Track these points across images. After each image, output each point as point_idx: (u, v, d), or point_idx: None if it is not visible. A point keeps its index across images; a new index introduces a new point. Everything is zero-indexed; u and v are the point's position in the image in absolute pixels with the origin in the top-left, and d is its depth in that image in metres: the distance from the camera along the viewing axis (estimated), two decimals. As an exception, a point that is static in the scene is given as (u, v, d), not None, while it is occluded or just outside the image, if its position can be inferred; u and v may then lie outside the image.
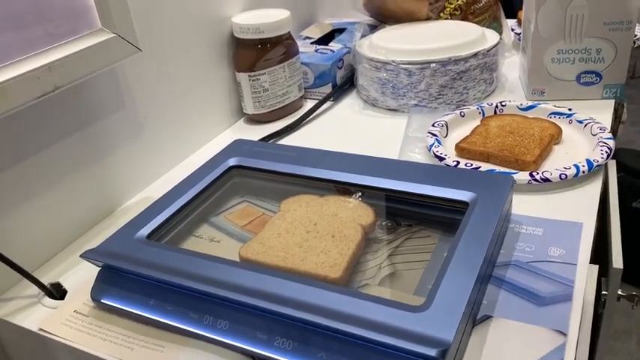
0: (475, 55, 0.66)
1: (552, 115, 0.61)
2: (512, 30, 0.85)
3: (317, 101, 0.72)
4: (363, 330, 0.32)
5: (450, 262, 0.37)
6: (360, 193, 0.48)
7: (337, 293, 0.36)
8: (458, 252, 0.38)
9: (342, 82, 0.75)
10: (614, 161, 0.56)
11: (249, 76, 0.67)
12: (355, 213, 0.45)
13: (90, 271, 0.44)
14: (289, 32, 0.69)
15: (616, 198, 0.54)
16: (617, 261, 0.47)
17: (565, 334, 0.36)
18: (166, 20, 0.58)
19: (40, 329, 0.42)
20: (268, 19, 0.66)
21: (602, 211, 0.52)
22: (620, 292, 0.51)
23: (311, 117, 0.71)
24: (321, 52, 0.75)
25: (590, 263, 0.42)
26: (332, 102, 0.74)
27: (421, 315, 0.33)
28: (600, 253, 0.51)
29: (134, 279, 0.41)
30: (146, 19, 0.55)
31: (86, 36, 0.45)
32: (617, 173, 0.57)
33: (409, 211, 0.48)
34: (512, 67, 0.77)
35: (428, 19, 0.78)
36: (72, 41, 0.44)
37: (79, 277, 0.47)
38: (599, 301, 0.49)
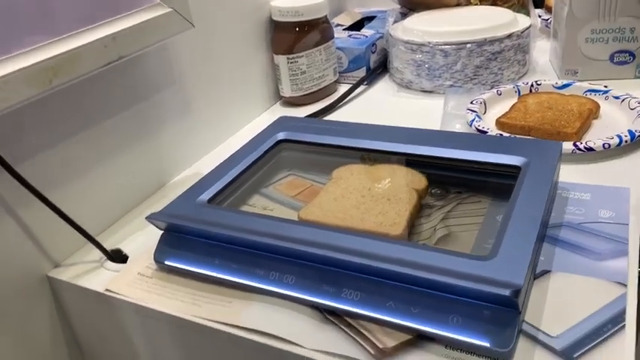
0: (509, 36, 0.67)
1: (588, 93, 0.63)
2: (540, 17, 0.87)
3: (351, 85, 0.74)
4: (434, 275, 0.33)
5: (509, 220, 0.38)
6: (407, 162, 0.49)
7: (403, 245, 0.37)
8: (516, 211, 0.39)
9: (375, 66, 0.77)
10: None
11: (288, 58, 0.69)
12: (407, 178, 0.47)
13: (148, 238, 0.45)
14: (326, 16, 0.70)
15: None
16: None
17: (625, 285, 0.37)
18: (212, 1, 0.60)
19: (107, 290, 0.43)
20: (307, 2, 0.67)
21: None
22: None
23: (346, 100, 0.72)
24: (355, 37, 0.77)
25: None
26: (366, 85, 0.76)
27: (488, 262, 0.34)
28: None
29: (197, 241, 0.42)
30: (194, -1, 0.57)
31: (146, 9, 0.47)
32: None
33: (458, 178, 0.49)
34: (541, 52, 0.78)
35: (457, 5, 0.79)
36: (133, 13, 0.46)
37: (138, 244, 0.48)
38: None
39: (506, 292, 0.31)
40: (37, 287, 0.45)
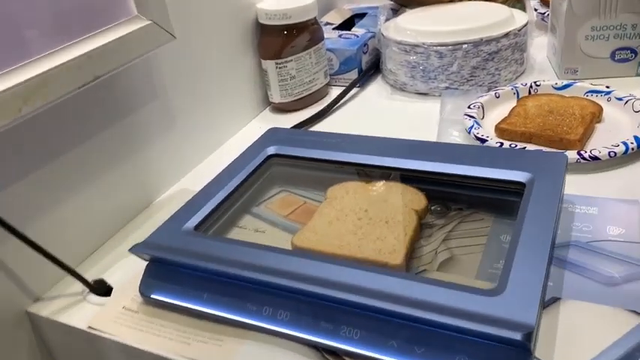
0: (507, 35, 0.64)
1: (590, 94, 0.60)
2: (536, 10, 0.84)
3: (342, 88, 0.71)
4: (440, 316, 0.31)
5: (517, 245, 0.36)
6: (405, 178, 0.47)
7: (404, 279, 0.34)
8: (524, 234, 0.37)
9: (367, 67, 0.74)
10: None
11: (276, 63, 0.66)
12: (406, 198, 0.44)
13: (133, 267, 0.43)
14: (315, 17, 0.67)
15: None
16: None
17: (640, 314, 0.35)
18: (192, 7, 0.57)
19: (90, 327, 0.40)
20: (295, 4, 0.64)
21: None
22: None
23: (338, 104, 0.69)
24: (345, 37, 0.74)
25: (652, 241, 0.41)
26: (358, 88, 0.73)
27: (496, 299, 0.32)
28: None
29: (185, 272, 0.40)
30: (175, 7, 0.53)
31: (123, 23, 0.44)
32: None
33: (459, 195, 0.46)
34: (538, 47, 0.75)
35: (451, 1, 0.76)
36: (109, 29, 0.43)
37: (123, 272, 0.45)
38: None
39: (518, 337, 0.29)
40: (17, 323, 0.43)
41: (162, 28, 0.46)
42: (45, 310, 0.43)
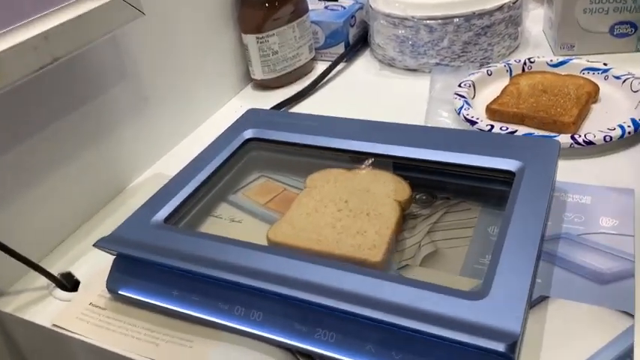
0: (500, 8, 0.61)
1: (586, 71, 0.57)
2: (532, -21, 0.80)
3: (329, 63, 0.68)
4: (420, 323, 0.29)
5: (504, 241, 0.34)
6: (389, 165, 0.44)
7: (383, 280, 0.32)
8: (511, 229, 0.34)
9: (355, 41, 0.70)
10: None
11: (257, 37, 0.62)
12: (388, 187, 0.42)
13: (104, 259, 0.40)
14: (299, -12, 0.64)
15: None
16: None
17: (632, 315, 0.33)
18: (167, -21, 0.53)
19: (54, 325, 0.38)
20: (277, -26, 0.60)
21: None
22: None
23: (324, 80, 0.66)
24: (331, 9, 0.70)
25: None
26: (345, 63, 0.69)
27: (480, 303, 0.30)
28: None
29: (154, 267, 0.38)
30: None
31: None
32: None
33: (446, 183, 0.44)
34: (535, 20, 0.71)
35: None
36: (69, 5, 0.40)
37: (92, 265, 0.43)
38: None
39: (501, 347, 0.27)
40: (-20, 319, 0.41)
41: (128, 3, 0.43)
42: (8, 306, 0.41)
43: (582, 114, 0.51)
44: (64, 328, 0.38)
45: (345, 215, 0.40)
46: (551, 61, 0.59)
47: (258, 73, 0.65)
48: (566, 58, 0.59)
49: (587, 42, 0.62)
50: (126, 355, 0.36)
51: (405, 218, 0.41)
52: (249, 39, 0.63)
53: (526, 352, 0.32)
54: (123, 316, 0.38)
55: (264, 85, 0.66)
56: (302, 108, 0.62)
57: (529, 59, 0.59)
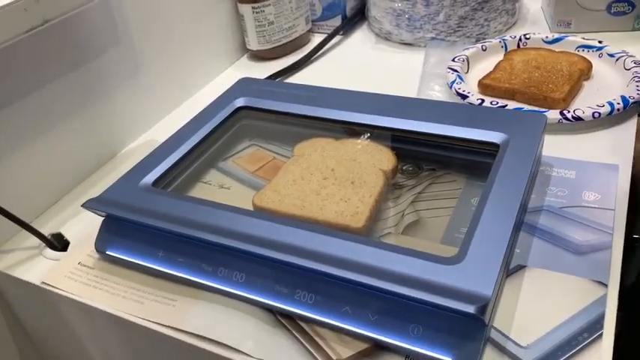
0: (498, -18, 0.61)
1: (580, 49, 0.57)
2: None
3: (325, 35, 0.68)
4: (393, 285, 0.30)
5: (482, 210, 0.34)
6: (377, 135, 0.45)
7: (362, 244, 0.33)
8: (491, 198, 0.35)
9: (352, 14, 0.70)
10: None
11: (253, 7, 0.62)
12: (375, 157, 0.42)
13: (93, 221, 0.41)
14: (296, -42, 0.63)
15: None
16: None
17: (606, 285, 0.34)
18: (162, -55, 0.53)
19: (43, 282, 0.39)
20: (273, -57, 0.60)
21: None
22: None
23: (319, 53, 0.66)
24: (329, -18, 0.70)
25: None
26: (341, 36, 0.69)
27: (455, 267, 0.31)
28: (636, 198, 0.48)
29: (141, 229, 0.38)
30: (140, -57, 0.50)
31: (75, -39, 0.40)
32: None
33: (432, 155, 0.44)
34: (534, -3, 0.71)
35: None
36: (59, -33, 0.40)
37: (82, 226, 0.44)
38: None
39: (471, 309, 0.28)
40: (-28, 276, 0.42)
41: (120, -33, 0.43)
42: (0, 263, 0.42)
43: (573, 91, 0.51)
44: (53, 286, 0.39)
45: (330, 183, 0.40)
46: (546, 37, 0.59)
47: (253, 44, 0.65)
48: (562, 35, 0.59)
49: (584, 19, 0.62)
50: (112, 312, 0.36)
51: (391, 188, 0.42)
52: (245, 9, 0.63)
53: (500, 318, 0.33)
54: (110, 276, 0.39)
55: (260, 56, 0.67)
56: (297, 79, 0.62)
57: (524, 35, 0.59)
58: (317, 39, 0.69)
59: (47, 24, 0.39)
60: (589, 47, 0.57)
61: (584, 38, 0.57)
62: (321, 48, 0.66)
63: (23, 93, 0.43)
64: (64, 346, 0.45)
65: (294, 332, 0.33)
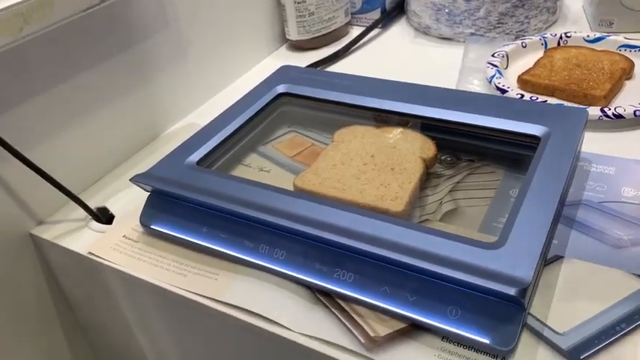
0: (540, -20, 0.61)
1: (623, 48, 0.57)
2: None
3: (364, 28, 0.68)
4: (435, 265, 0.30)
5: (523, 199, 0.35)
6: (416, 125, 0.45)
7: (404, 227, 0.34)
8: (532, 189, 0.35)
9: (391, 8, 0.71)
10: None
11: (295, -2, 0.63)
12: (415, 146, 0.43)
13: (137, 196, 0.43)
14: (338, -49, 0.64)
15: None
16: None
17: (644, 279, 0.34)
18: None
19: (90, 253, 0.41)
20: None
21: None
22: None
23: (358, 45, 0.67)
24: (370, -25, 0.70)
25: (668, 206, 0.39)
26: (380, 29, 0.70)
27: (496, 252, 0.31)
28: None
29: (185, 205, 0.40)
30: None
31: (132, -56, 0.42)
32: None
33: (472, 145, 0.45)
34: (575, -4, 0.71)
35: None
36: (117, -51, 0.41)
37: (126, 202, 0.45)
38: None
39: (512, 292, 0.29)
40: (21, 245, 0.43)
41: (173, -49, 0.44)
42: (47, 233, 0.43)
43: (615, 89, 0.51)
44: (98, 256, 0.40)
45: (370, 169, 0.41)
46: (588, 36, 0.59)
47: (293, 34, 0.66)
48: (604, 34, 0.58)
49: (626, 19, 0.61)
50: (156, 283, 0.38)
51: (429, 177, 0.43)
52: (287, -1, 0.64)
53: (537, 305, 0.33)
54: (154, 249, 0.40)
55: (299, 46, 0.67)
56: (335, 69, 0.63)
57: (565, 34, 0.59)
58: (355, 32, 0.69)
59: (103, 3, 0.40)
60: (632, 47, 0.56)
61: (626, 38, 0.57)
62: (359, 40, 0.67)
63: (77, 70, 0.44)
64: (101, 314, 0.47)
65: (332, 309, 0.34)
